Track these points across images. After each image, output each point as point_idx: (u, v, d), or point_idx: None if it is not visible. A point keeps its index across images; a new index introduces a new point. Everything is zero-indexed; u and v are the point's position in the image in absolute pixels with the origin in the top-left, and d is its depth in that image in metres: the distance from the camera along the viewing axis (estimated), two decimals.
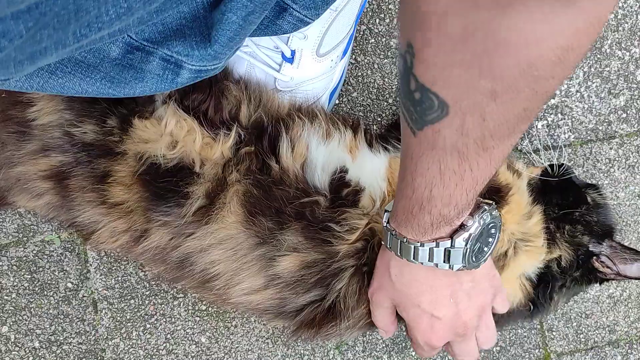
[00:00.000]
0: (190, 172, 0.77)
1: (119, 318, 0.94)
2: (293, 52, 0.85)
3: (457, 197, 0.61)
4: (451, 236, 0.67)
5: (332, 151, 0.81)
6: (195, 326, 0.95)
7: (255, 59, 0.86)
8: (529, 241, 0.82)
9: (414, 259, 0.68)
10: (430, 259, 0.68)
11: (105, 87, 0.69)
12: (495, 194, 0.81)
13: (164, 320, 0.95)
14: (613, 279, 0.83)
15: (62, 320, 0.93)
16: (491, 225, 0.70)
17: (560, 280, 0.84)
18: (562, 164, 0.89)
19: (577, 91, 1.00)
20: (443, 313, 0.73)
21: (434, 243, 0.67)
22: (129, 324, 0.94)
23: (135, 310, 0.94)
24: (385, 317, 0.78)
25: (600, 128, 1.01)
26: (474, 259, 0.70)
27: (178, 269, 0.81)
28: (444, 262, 0.68)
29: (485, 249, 0.71)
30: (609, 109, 1.01)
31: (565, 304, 1.00)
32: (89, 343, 0.94)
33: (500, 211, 0.80)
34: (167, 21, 0.67)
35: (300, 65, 0.86)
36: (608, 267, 0.82)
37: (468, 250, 0.68)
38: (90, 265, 0.94)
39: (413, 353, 0.98)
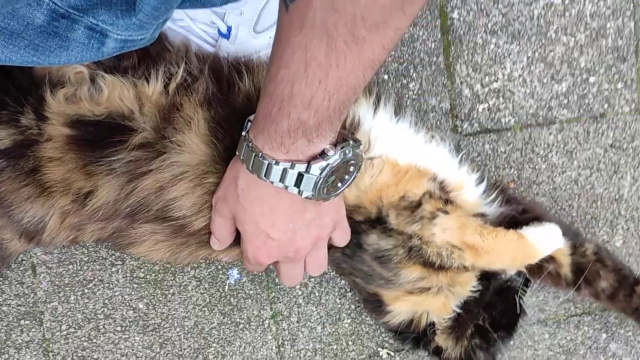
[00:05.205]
0: (125, 116, 0.76)
1: (57, 282, 0.96)
2: (229, 28, 0.85)
3: (318, 100, 0.60)
4: (308, 161, 0.66)
5: None
6: (133, 292, 0.98)
7: (191, 33, 0.86)
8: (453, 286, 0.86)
9: (265, 176, 0.66)
10: (282, 179, 0.66)
11: (29, 55, 0.68)
12: None
13: (102, 286, 0.97)
14: None
15: (1, 282, 0.96)
16: (351, 162, 0.69)
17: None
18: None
19: (519, 75, 1.01)
20: (278, 236, 0.72)
21: (289, 164, 0.65)
22: (67, 289, 0.97)
23: (74, 275, 0.97)
24: (223, 228, 0.77)
25: (541, 113, 1.02)
26: (325, 192, 0.69)
27: (129, 218, 0.79)
28: (295, 186, 0.67)
29: (340, 184, 0.70)
30: (551, 94, 1.02)
31: None
32: (28, 305, 0.96)
33: None
34: None
35: (237, 41, 0.86)
36: None
37: (322, 180, 0.67)
38: None
39: (346, 324, 1.02)
